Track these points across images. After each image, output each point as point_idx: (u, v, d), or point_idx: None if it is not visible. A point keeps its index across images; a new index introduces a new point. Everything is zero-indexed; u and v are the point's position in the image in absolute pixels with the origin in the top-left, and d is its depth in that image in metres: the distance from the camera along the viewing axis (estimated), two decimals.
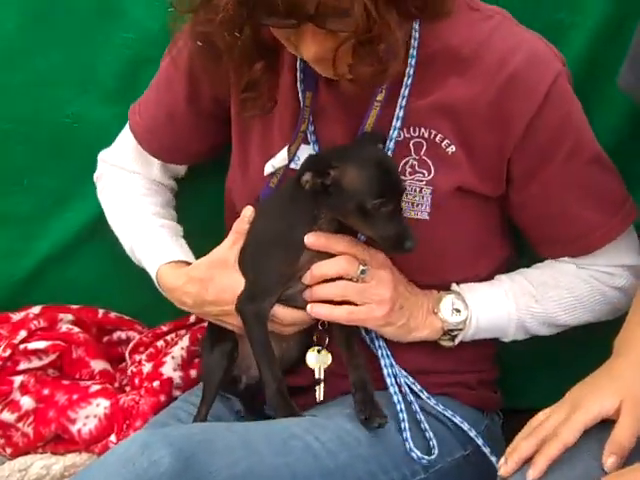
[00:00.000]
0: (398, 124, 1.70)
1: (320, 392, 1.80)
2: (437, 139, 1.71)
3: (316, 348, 1.80)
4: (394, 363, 1.79)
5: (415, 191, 1.72)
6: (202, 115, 1.91)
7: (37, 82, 2.12)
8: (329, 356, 1.80)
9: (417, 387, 1.79)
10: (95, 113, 2.13)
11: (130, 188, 2.02)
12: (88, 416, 1.98)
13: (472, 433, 1.79)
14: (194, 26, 1.63)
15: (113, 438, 1.97)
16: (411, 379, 1.80)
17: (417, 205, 1.72)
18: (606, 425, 1.49)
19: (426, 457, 1.71)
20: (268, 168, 1.79)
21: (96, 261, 2.24)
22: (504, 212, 1.81)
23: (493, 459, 1.74)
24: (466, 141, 1.71)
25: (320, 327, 1.80)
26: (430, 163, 1.72)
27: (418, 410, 1.76)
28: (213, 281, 1.77)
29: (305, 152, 1.75)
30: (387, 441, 1.70)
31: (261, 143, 1.82)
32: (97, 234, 2.21)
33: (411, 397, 1.77)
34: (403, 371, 1.79)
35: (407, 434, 1.71)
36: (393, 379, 1.77)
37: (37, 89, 2.13)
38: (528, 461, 1.49)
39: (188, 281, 1.81)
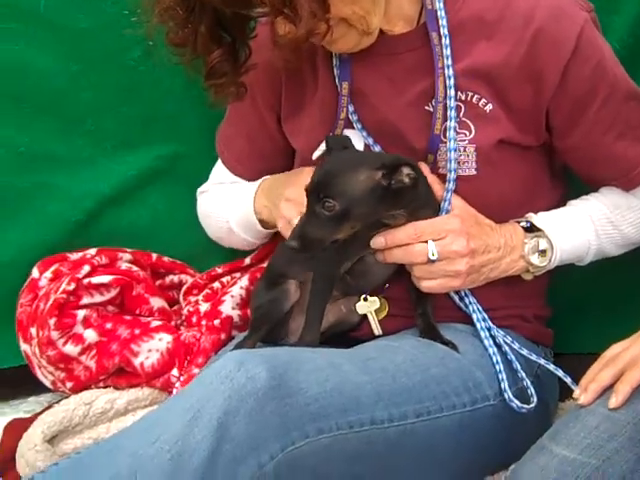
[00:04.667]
0: (452, 92, 1.74)
1: (375, 326, 1.83)
2: (474, 100, 1.76)
3: (362, 297, 1.83)
4: (486, 317, 1.81)
5: (460, 150, 1.76)
6: (272, 128, 1.96)
7: (105, 25, 2.12)
8: (376, 300, 1.83)
9: (509, 339, 1.81)
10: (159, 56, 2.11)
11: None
12: (151, 350, 1.99)
13: (542, 360, 1.81)
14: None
15: (175, 372, 1.98)
16: (502, 331, 1.81)
17: (464, 163, 1.77)
18: None
19: (525, 406, 1.72)
20: (316, 153, 1.85)
21: (151, 206, 2.24)
22: (552, 158, 1.85)
23: (568, 380, 1.74)
24: (502, 98, 1.75)
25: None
26: (470, 123, 1.77)
27: (514, 359, 1.78)
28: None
29: (352, 136, 1.80)
30: (456, 367, 1.72)
31: (308, 129, 1.88)
32: (155, 179, 2.22)
33: (506, 348, 1.79)
34: (491, 322, 1.81)
35: (505, 385, 1.73)
36: (487, 332, 1.80)
37: (104, 32, 2.12)
38: (605, 391, 1.52)
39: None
